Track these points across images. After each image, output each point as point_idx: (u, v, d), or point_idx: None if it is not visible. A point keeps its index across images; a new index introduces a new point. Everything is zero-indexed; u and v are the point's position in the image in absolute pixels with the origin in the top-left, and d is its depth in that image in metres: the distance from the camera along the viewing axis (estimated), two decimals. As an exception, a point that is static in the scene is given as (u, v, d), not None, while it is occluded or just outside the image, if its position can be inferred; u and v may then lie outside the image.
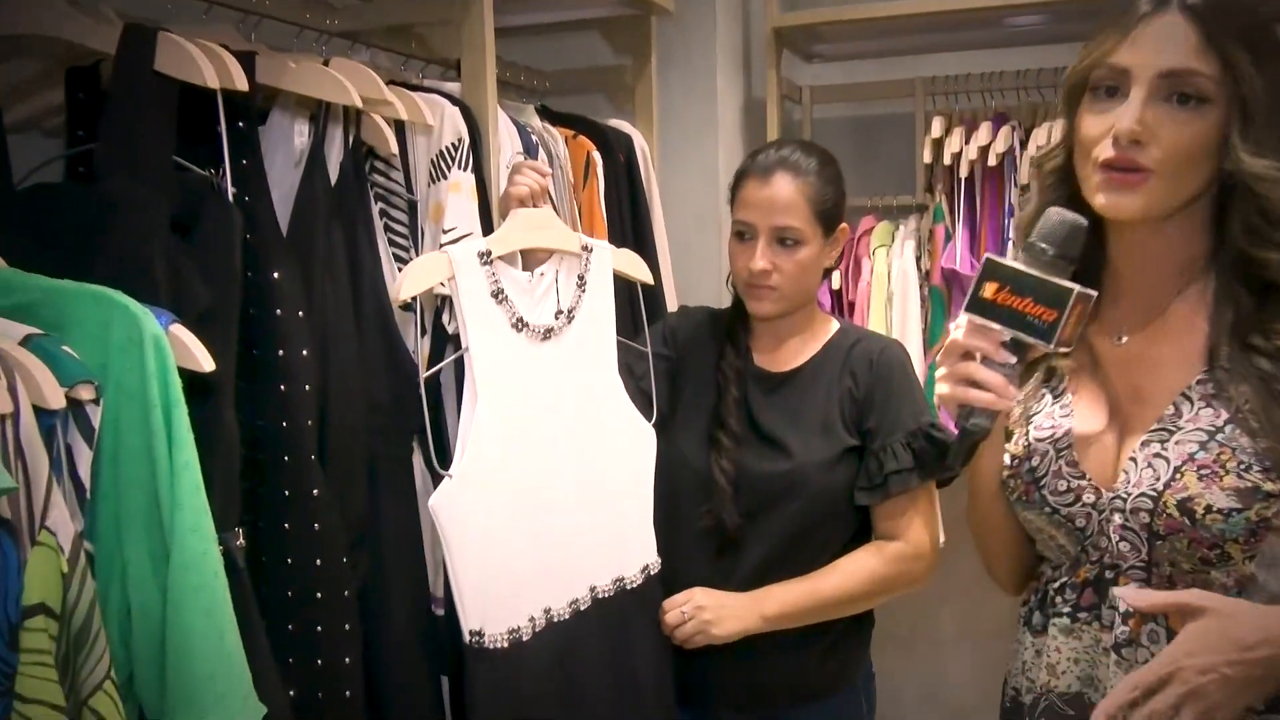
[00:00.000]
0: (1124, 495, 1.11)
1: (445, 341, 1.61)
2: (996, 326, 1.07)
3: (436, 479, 1.45)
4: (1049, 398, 1.22)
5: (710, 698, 1.69)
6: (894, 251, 2.58)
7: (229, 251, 1.24)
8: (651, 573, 1.67)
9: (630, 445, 1.67)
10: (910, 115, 2.73)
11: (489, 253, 1.49)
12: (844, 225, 1.71)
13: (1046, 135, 2.43)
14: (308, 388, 1.39)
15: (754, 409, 1.68)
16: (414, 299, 1.47)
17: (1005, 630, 2.92)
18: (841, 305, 2.63)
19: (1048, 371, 1.23)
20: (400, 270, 1.61)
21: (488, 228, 1.67)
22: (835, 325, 1.75)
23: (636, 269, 1.78)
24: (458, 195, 1.64)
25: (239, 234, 1.25)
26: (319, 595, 1.41)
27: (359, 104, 1.42)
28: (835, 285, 2.60)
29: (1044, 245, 1.06)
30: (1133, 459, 1.12)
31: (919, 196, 2.68)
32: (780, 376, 1.70)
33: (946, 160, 2.52)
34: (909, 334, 2.51)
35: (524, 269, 1.59)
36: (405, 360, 1.52)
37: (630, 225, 2.17)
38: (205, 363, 1.14)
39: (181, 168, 1.26)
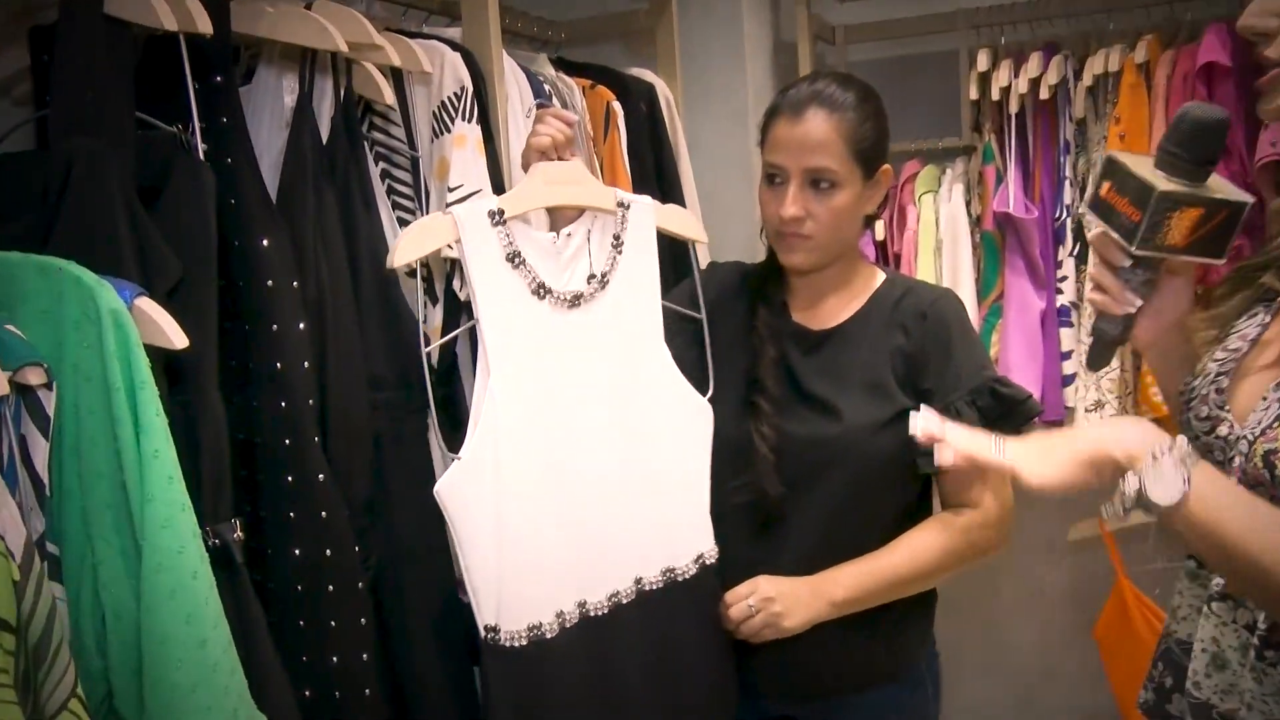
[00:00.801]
0: (1245, 435, 1.00)
1: (459, 310, 1.49)
2: (1101, 225, 1.05)
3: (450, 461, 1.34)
4: (1252, 319, 1.10)
5: (759, 687, 1.56)
6: (941, 197, 2.41)
7: (201, 215, 1.11)
8: (707, 562, 1.52)
9: (681, 422, 1.52)
10: (953, 51, 2.54)
11: (501, 212, 1.35)
12: (886, 167, 1.55)
13: (1103, 63, 2.25)
14: (306, 364, 1.27)
15: (795, 370, 1.53)
16: (420, 264, 1.34)
17: (1070, 598, 2.81)
18: (886, 257, 2.47)
19: (1263, 291, 1.11)
20: (404, 233, 1.50)
21: (498, 186, 1.54)
22: (881, 276, 1.60)
23: (686, 226, 1.61)
24: (462, 150, 1.51)
25: (211, 195, 1.12)
26: (330, 589, 1.30)
27: (344, 48, 1.29)
28: (879, 236, 2.44)
29: (1169, 144, 1.00)
30: (1264, 398, 1.00)
31: (966, 137, 2.50)
32: (822, 334, 1.56)
33: (994, 96, 2.35)
34: (961, 284, 2.34)
35: (552, 229, 1.45)
36: (409, 331, 1.40)
37: (655, 178, 2.03)
38: (176, 339, 1.02)
39: (147, 125, 1.14)
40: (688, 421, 1.52)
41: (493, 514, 1.32)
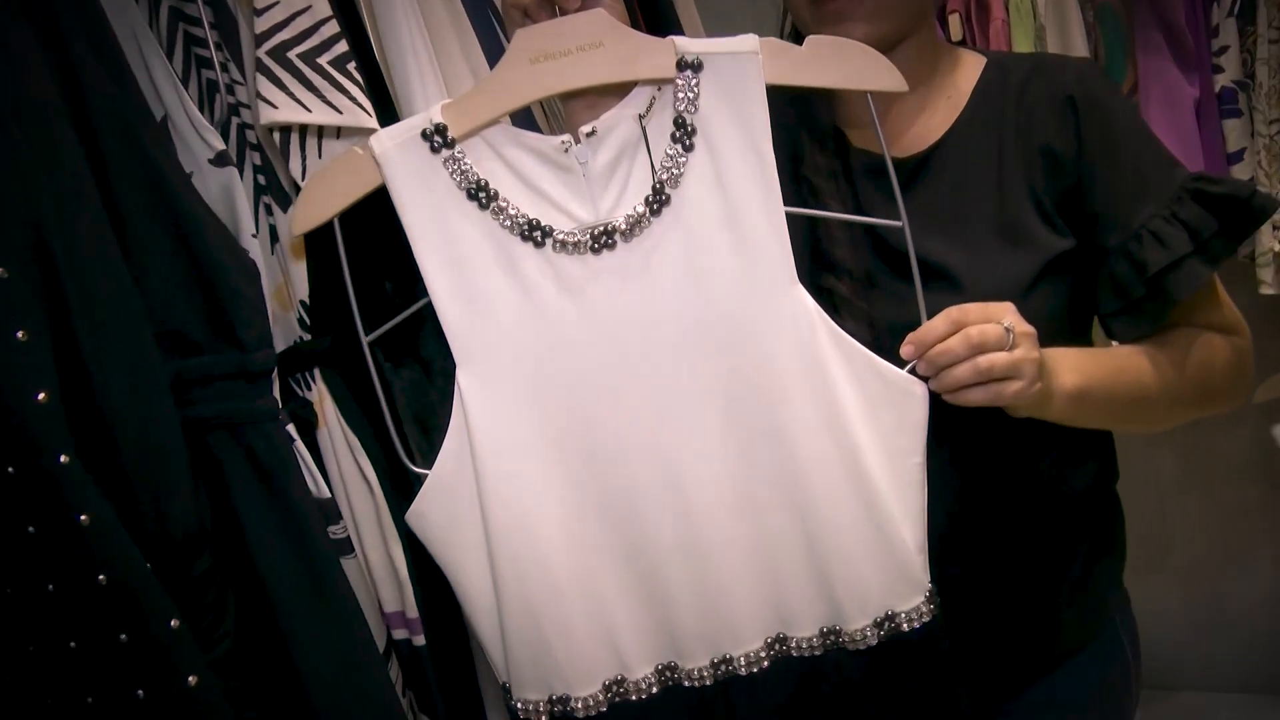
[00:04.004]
0: None
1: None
2: None
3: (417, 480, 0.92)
4: None
5: None
6: (1036, -33, 1.77)
7: None
8: (921, 619, 0.91)
9: (875, 413, 0.90)
10: None
11: (442, 132, 0.85)
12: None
13: None
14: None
15: (877, 226, 0.97)
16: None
17: (1258, 470, 2.20)
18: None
19: None
20: (217, 107, 0.96)
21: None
22: (980, 60, 1.03)
23: (856, 71, 0.88)
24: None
25: None
26: (141, 693, 0.80)
27: None
28: (956, 35, 1.82)
29: None
30: None
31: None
32: (910, 163, 0.99)
33: None
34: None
35: (570, 129, 0.90)
36: (229, 267, 0.88)
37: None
38: None
39: None
40: (869, 411, 0.89)
41: (482, 542, 0.89)
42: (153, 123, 0.88)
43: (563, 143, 0.86)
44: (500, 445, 0.88)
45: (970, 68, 1.02)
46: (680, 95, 0.86)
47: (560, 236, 0.86)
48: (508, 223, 0.87)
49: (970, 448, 0.94)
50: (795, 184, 1.00)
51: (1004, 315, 0.85)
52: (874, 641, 0.90)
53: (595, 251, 0.87)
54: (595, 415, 0.88)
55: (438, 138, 0.86)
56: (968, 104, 0.99)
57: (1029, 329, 0.86)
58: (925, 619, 0.90)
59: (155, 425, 0.83)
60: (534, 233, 0.86)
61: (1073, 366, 0.92)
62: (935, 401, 0.88)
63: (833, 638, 0.91)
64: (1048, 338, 0.89)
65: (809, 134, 1.02)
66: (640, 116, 0.86)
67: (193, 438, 0.88)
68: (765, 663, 0.90)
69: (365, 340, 0.90)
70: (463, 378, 0.88)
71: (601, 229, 0.86)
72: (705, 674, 0.90)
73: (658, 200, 0.86)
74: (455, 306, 0.88)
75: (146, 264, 0.84)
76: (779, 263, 0.87)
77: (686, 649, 0.90)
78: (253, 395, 0.92)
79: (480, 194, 0.86)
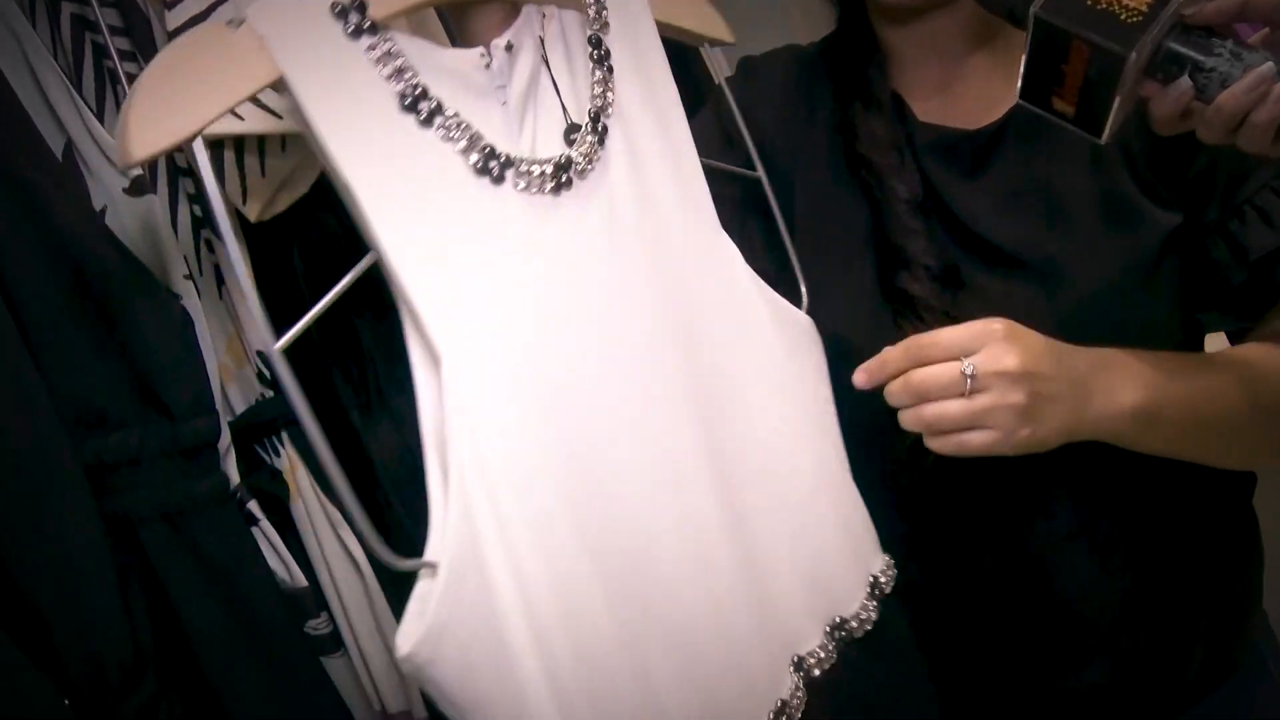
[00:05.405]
0: None
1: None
2: None
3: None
4: None
5: None
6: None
7: None
8: (883, 588, 0.83)
9: (783, 365, 0.79)
10: None
11: (360, 6, 0.58)
12: None
13: None
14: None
15: (956, 211, 0.82)
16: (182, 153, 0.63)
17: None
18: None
19: None
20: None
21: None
22: None
23: (697, 14, 0.82)
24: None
25: None
26: None
27: None
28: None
29: None
30: None
31: None
32: (981, 136, 0.83)
33: None
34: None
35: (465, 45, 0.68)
36: (159, 322, 0.70)
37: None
38: None
39: None
40: (790, 359, 0.80)
41: (521, 662, 0.60)
42: (43, 158, 0.71)
43: (481, 55, 0.64)
44: (522, 468, 0.62)
45: None
46: (592, 14, 0.69)
47: (525, 169, 0.63)
48: (462, 146, 0.61)
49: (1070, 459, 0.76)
50: (849, 164, 0.84)
51: (979, 346, 0.68)
52: (875, 615, 0.80)
53: (555, 191, 0.65)
54: (591, 422, 0.66)
55: (355, 15, 0.58)
56: None
57: (1009, 367, 0.68)
58: (893, 572, 0.84)
59: (66, 531, 0.66)
60: (491, 163, 0.62)
61: (1134, 377, 0.73)
62: None
63: (840, 631, 0.80)
64: (1162, 342, 0.76)
65: (864, 104, 0.85)
66: (539, 39, 0.67)
67: (121, 536, 0.72)
68: (800, 692, 0.77)
69: (274, 348, 0.55)
70: (451, 373, 0.59)
71: (562, 162, 0.65)
72: None
73: (596, 131, 0.68)
74: (422, 268, 0.59)
75: (41, 326, 0.68)
76: (706, 202, 0.76)
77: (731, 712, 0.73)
78: (194, 473, 0.75)
79: (421, 103, 0.60)
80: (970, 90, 0.85)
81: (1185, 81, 0.61)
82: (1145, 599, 0.84)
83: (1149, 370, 0.73)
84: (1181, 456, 0.77)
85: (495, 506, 0.60)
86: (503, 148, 0.63)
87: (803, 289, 0.83)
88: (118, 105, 0.79)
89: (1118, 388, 0.72)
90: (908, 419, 0.70)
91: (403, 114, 0.60)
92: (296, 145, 0.83)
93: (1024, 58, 0.66)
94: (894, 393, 0.70)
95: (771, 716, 0.74)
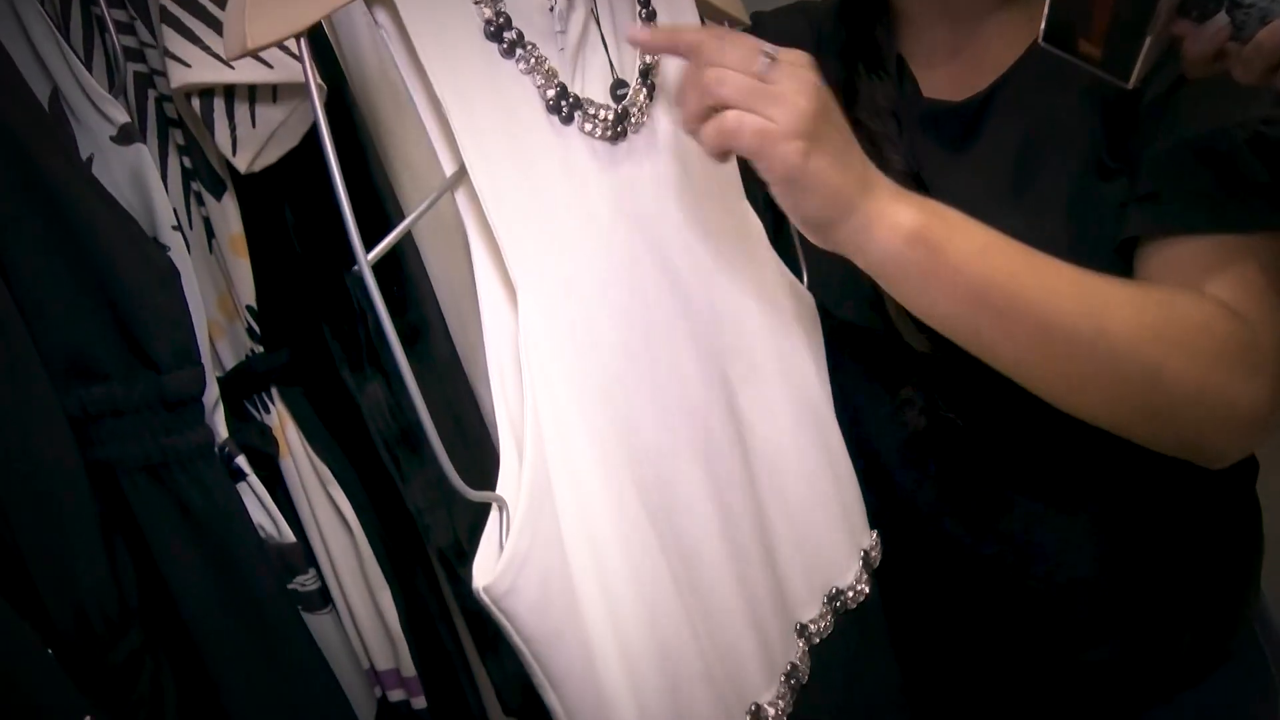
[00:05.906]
0: None
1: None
2: None
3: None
4: None
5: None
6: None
7: None
8: (873, 562, 0.85)
9: (793, 336, 0.80)
10: None
11: None
12: None
13: None
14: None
15: (939, 186, 0.80)
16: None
17: None
18: None
19: None
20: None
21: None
22: None
23: None
24: None
25: None
26: None
27: None
28: None
29: None
30: None
31: None
32: (971, 108, 0.82)
33: None
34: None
35: None
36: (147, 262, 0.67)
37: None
38: None
39: None
40: (802, 332, 0.81)
41: (586, 593, 0.60)
42: (26, 103, 0.67)
43: (548, 2, 0.62)
44: (586, 421, 0.61)
45: None
46: None
47: (592, 111, 0.63)
48: (539, 81, 0.61)
49: (1076, 435, 0.73)
50: (853, 123, 0.79)
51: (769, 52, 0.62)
52: (868, 588, 0.81)
53: (612, 140, 0.65)
54: (634, 384, 0.65)
55: None
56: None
57: (810, 78, 0.61)
58: (880, 547, 0.85)
59: (51, 481, 0.62)
60: (563, 101, 0.61)
61: (937, 212, 0.65)
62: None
63: (838, 601, 0.81)
64: None
65: (867, 66, 0.84)
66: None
67: (104, 486, 0.67)
68: (808, 660, 0.78)
69: (365, 261, 0.52)
70: (528, 317, 0.58)
71: (621, 111, 0.65)
72: (784, 699, 0.74)
73: (645, 89, 0.68)
74: (508, 198, 0.57)
75: (26, 275, 0.63)
76: (734, 171, 0.76)
77: (756, 678, 0.73)
78: (177, 427, 0.71)
79: (505, 32, 0.59)
80: (983, 56, 0.81)
81: (1222, 18, 0.56)
82: (1132, 582, 0.82)
83: (960, 218, 0.65)
84: (996, 357, 0.67)
85: (565, 444, 0.59)
86: (572, 88, 0.63)
87: (802, 264, 0.84)
88: (106, 53, 0.74)
89: (905, 203, 0.64)
90: (686, 79, 0.63)
91: (486, 41, 0.59)
92: (288, 96, 0.81)
93: None
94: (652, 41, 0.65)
95: (784, 678, 0.75)
